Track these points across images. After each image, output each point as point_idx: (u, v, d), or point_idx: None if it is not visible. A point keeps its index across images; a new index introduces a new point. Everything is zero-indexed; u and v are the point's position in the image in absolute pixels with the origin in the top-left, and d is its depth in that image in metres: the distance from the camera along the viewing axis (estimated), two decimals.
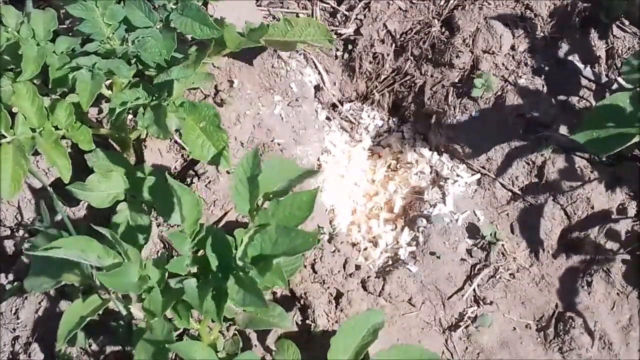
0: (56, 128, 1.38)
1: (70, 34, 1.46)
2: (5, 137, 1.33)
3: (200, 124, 1.35)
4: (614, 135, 1.37)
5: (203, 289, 1.17)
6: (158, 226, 1.51)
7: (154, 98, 1.36)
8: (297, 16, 1.75)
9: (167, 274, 1.21)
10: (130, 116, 1.53)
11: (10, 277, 1.47)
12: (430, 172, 1.70)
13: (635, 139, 1.32)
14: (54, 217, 1.47)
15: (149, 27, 1.42)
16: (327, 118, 1.75)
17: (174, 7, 1.41)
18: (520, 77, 1.62)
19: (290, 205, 1.24)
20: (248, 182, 1.23)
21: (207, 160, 1.37)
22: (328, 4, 1.77)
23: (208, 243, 1.18)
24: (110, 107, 1.37)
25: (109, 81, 1.46)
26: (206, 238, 1.19)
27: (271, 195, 1.27)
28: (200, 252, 1.24)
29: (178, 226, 1.47)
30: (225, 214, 1.55)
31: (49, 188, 1.40)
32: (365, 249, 1.63)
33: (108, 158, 1.48)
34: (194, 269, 1.22)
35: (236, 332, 1.40)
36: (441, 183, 1.67)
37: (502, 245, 1.57)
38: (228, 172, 1.56)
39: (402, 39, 1.74)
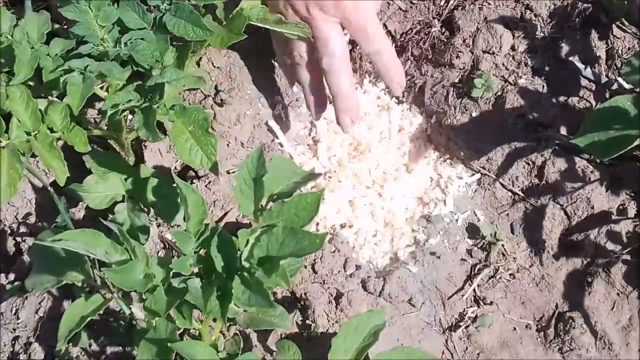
0: (51, 130, 1.37)
1: (64, 35, 1.45)
2: (0, 141, 1.33)
3: (189, 127, 1.34)
4: (615, 138, 1.36)
5: (207, 289, 1.17)
6: (158, 227, 1.51)
7: (146, 100, 1.35)
8: None
9: (171, 274, 1.21)
10: (130, 117, 1.53)
11: (11, 277, 1.47)
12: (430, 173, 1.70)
13: (637, 142, 1.32)
14: (55, 219, 1.47)
15: (143, 28, 1.41)
16: (326, 118, 1.75)
17: (167, 8, 1.41)
18: (521, 77, 1.62)
19: (296, 207, 1.24)
20: (253, 182, 1.23)
21: (196, 165, 1.35)
22: None
23: (213, 243, 1.18)
24: (102, 110, 1.36)
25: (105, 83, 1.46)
26: (211, 238, 1.19)
27: (275, 196, 1.27)
28: (202, 252, 1.24)
29: (179, 226, 1.48)
30: (226, 214, 1.54)
31: (49, 188, 1.40)
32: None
33: (106, 159, 1.48)
34: (197, 269, 1.22)
35: (237, 332, 1.40)
36: (441, 183, 1.67)
37: (502, 245, 1.57)
38: (228, 172, 1.56)
39: (402, 39, 1.74)
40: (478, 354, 1.50)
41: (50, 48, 1.39)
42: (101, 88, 1.45)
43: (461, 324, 1.51)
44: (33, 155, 1.43)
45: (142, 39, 1.40)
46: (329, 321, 1.45)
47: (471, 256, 1.59)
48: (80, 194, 1.42)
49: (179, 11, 1.39)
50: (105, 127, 1.49)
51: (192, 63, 1.50)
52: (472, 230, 1.60)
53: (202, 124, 1.34)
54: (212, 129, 1.39)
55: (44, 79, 1.37)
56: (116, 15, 1.40)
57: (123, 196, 1.46)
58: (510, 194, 1.62)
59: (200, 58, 1.60)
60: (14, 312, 1.45)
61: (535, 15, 1.66)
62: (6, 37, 1.38)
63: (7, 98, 1.34)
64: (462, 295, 1.55)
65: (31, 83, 1.39)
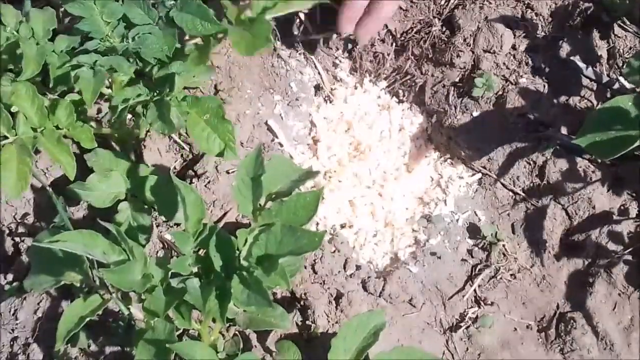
0: (57, 127, 1.37)
1: (68, 32, 1.45)
2: (7, 137, 1.32)
3: (204, 117, 1.35)
4: (616, 139, 1.36)
5: (206, 288, 1.17)
6: (157, 226, 1.51)
7: (156, 94, 1.35)
8: (297, 15, 1.73)
9: (169, 274, 1.20)
10: (129, 115, 1.53)
11: (9, 277, 1.47)
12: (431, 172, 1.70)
13: (638, 142, 1.32)
14: (53, 219, 1.47)
15: (148, 24, 1.41)
16: (326, 118, 1.74)
17: (173, 3, 1.40)
18: (522, 76, 1.62)
19: (295, 205, 1.24)
20: (252, 182, 1.23)
21: (214, 153, 1.36)
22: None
23: (212, 243, 1.18)
24: (112, 105, 1.36)
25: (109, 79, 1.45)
26: (209, 238, 1.19)
27: (274, 196, 1.26)
28: (202, 252, 1.24)
29: (178, 225, 1.47)
30: (225, 214, 1.54)
31: (48, 188, 1.40)
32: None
33: (108, 157, 1.48)
34: (196, 269, 1.22)
35: (236, 332, 1.40)
36: (442, 183, 1.67)
37: (503, 245, 1.56)
38: (228, 172, 1.56)
39: (403, 38, 1.73)
40: (479, 354, 1.50)
41: (55, 44, 1.39)
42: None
43: (462, 324, 1.51)
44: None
45: (149, 33, 1.40)
46: (329, 321, 1.45)
47: (472, 256, 1.58)
48: (84, 192, 1.41)
49: (186, 6, 1.38)
50: (108, 126, 1.49)
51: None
52: (473, 231, 1.60)
53: (217, 112, 1.35)
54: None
55: (52, 75, 1.37)
56: (121, 11, 1.40)
57: (126, 194, 1.45)
58: (511, 193, 1.62)
59: None
60: (12, 312, 1.45)
61: (537, 15, 1.66)
62: (12, 33, 1.38)
63: (13, 94, 1.33)
64: (463, 296, 1.54)
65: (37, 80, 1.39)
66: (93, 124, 1.49)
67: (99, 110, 1.57)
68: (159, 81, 1.36)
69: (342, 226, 1.63)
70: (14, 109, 1.35)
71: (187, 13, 1.38)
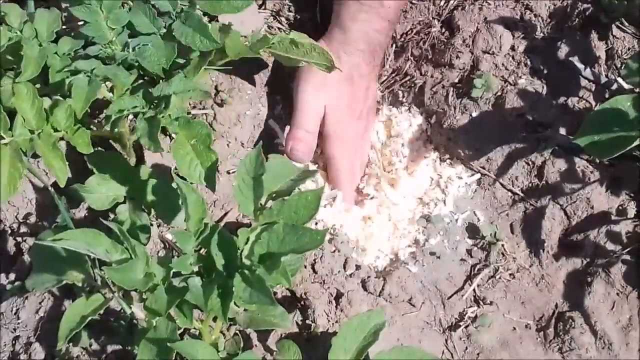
0: (55, 130, 1.37)
1: (72, 35, 1.45)
2: (3, 138, 1.33)
3: (191, 141, 1.34)
4: (615, 139, 1.36)
5: (208, 287, 1.17)
6: (158, 227, 1.51)
7: (151, 107, 1.35)
8: (299, 18, 1.74)
9: (171, 273, 1.21)
10: (130, 116, 1.53)
11: (11, 277, 1.47)
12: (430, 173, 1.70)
13: (636, 142, 1.32)
14: (56, 219, 1.47)
15: (153, 33, 1.41)
16: None
17: (177, 15, 1.40)
18: (520, 77, 1.62)
19: (296, 204, 1.24)
20: (252, 181, 1.23)
21: (193, 180, 1.34)
22: None
23: (213, 242, 1.18)
24: (107, 114, 1.36)
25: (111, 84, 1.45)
26: (211, 237, 1.19)
27: (274, 195, 1.27)
28: (203, 251, 1.24)
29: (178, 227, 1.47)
30: (226, 214, 1.55)
31: (50, 188, 1.40)
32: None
33: (108, 159, 1.48)
34: (197, 268, 1.22)
35: (237, 332, 1.40)
36: (441, 183, 1.67)
37: (502, 245, 1.57)
38: (228, 173, 1.56)
39: (402, 39, 1.74)
40: (478, 353, 1.50)
41: (58, 47, 1.39)
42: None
43: (461, 323, 1.51)
44: (34, 156, 1.43)
45: (150, 45, 1.40)
46: (329, 321, 1.45)
47: (471, 256, 1.58)
48: (83, 194, 1.41)
49: (188, 20, 1.38)
50: (108, 128, 1.49)
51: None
52: (472, 230, 1.60)
53: (204, 139, 1.33)
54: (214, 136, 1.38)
55: (51, 79, 1.37)
56: (127, 18, 1.40)
57: (125, 197, 1.45)
58: (510, 194, 1.62)
59: None
60: (14, 312, 1.45)
61: (535, 16, 1.66)
62: (16, 32, 1.37)
63: (13, 95, 1.33)
64: (462, 295, 1.54)
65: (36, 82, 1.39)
66: (94, 125, 1.49)
67: (101, 111, 1.57)
68: (157, 97, 1.36)
69: (342, 226, 1.63)
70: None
71: (188, 27, 1.38)
